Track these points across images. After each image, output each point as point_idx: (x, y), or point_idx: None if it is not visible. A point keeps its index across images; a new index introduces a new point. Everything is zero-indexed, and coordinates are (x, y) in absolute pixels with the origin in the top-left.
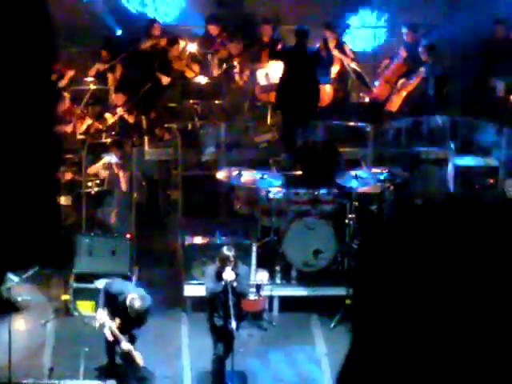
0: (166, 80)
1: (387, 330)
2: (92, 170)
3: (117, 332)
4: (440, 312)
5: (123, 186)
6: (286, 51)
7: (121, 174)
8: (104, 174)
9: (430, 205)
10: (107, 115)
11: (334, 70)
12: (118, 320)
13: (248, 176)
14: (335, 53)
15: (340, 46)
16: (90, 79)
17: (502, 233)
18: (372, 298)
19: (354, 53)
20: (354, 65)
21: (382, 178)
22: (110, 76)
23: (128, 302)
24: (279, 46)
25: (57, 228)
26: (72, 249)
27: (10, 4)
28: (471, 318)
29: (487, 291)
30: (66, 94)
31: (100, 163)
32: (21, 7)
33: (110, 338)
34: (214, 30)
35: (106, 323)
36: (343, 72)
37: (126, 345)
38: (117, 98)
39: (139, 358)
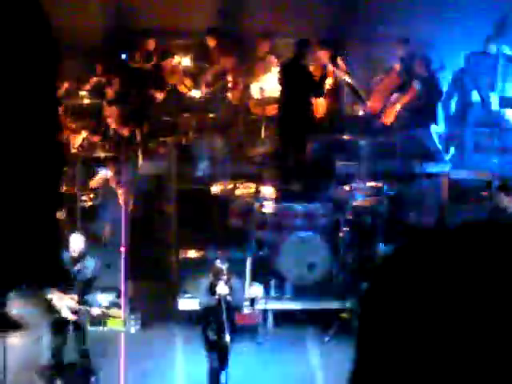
0: (159, 94)
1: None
2: (93, 183)
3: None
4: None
5: (121, 200)
6: (286, 65)
7: (117, 188)
8: (99, 187)
9: (443, 233)
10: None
11: (328, 83)
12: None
13: (242, 190)
14: (329, 66)
15: (333, 59)
16: (83, 93)
17: None
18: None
19: (347, 66)
20: (347, 78)
21: (375, 191)
22: (108, 90)
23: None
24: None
25: (54, 245)
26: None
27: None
28: (488, 348)
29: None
30: (60, 107)
31: (98, 177)
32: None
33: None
34: (211, 42)
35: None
36: (337, 85)
37: None
38: (110, 113)
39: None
